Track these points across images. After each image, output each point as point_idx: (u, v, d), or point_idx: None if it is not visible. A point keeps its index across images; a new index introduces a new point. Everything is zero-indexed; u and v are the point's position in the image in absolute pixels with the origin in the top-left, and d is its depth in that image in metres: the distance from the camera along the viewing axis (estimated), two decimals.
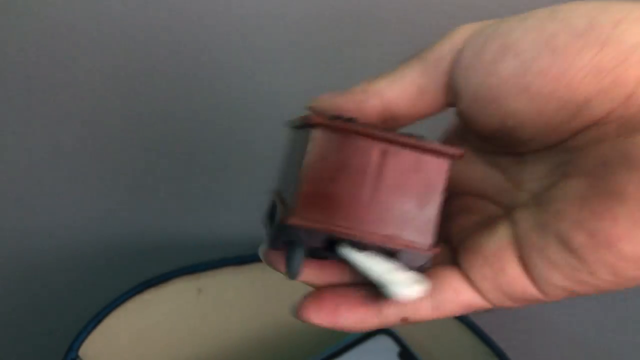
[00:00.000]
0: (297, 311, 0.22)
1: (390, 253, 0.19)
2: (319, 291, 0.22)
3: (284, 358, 0.44)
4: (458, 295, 0.20)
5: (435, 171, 0.19)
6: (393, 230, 0.19)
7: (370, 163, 0.19)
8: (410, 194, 0.19)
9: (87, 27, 0.41)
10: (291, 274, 0.20)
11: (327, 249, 0.19)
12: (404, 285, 0.18)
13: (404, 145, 0.19)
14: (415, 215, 0.19)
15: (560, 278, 0.18)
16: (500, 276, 0.19)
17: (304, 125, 0.19)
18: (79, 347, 0.34)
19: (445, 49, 0.20)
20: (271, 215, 0.21)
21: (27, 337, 0.52)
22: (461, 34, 0.20)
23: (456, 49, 0.20)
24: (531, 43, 0.18)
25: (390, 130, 0.19)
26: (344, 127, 0.19)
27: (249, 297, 0.43)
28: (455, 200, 0.24)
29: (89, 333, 0.35)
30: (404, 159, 0.19)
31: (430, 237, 0.19)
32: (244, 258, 0.43)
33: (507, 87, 0.18)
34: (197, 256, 0.43)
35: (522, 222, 0.20)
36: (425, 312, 0.20)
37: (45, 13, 0.40)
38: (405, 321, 0.21)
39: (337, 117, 0.19)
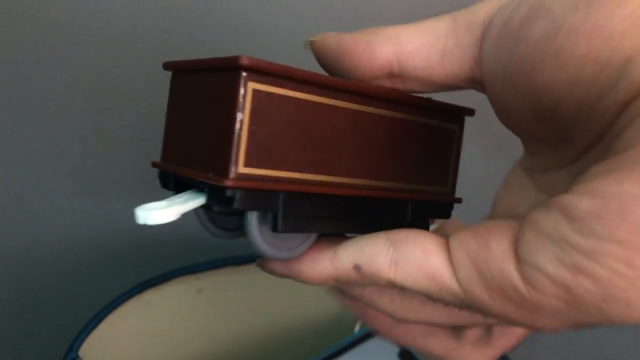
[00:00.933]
0: (260, 263, 0.20)
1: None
2: None
3: (284, 358, 0.44)
4: (426, 256, 0.16)
5: (226, 88, 0.16)
6: (198, 163, 0.17)
7: (182, 97, 0.18)
8: (208, 121, 0.16)
9: (87, 26, 0.41)
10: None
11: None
12: (147, 209, 0.15)
13: (196, 68, 0.17)
14: (212, 144, 0.16)
15: (550, 259, 0.14)
16: (482, 250, 0.15)
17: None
18: (79, 347, 0.34)
19: (480, 15, 0.17)
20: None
21: (27, 337, 0.52)
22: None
23: (489, 17, 0.17)
24: (560, 2, 0.15)
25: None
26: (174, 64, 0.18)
27: (249, 297, 0.43)
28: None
29: (89, 333, 0.35)
30: (198, 83, 0.17)
31: (228, 168, 0.15)
32: (244, 258, 0.43)
33: (537, 54, 0.15)
34: (197, 256, 0.43)
35: (532, 209, 0.16)
36: (382, 263, 0.17)
37: (45, 12, 0.40)
38: (358, 270, 0.17)
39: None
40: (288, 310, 0.44)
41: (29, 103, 0.44)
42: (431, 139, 0.20)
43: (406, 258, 0.16)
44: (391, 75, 0.18)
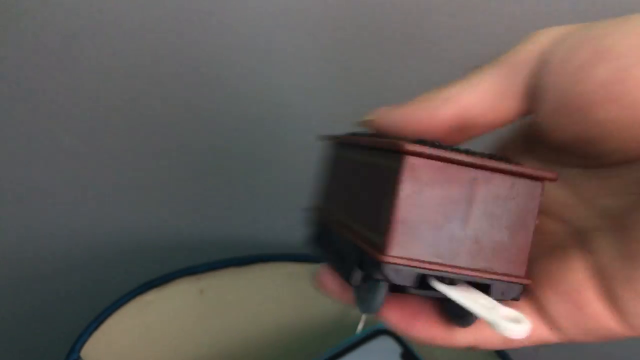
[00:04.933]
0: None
1: (481, 285, 0.18)
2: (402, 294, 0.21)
3: (286, 359, 0.44)
4: (532, 331, 0.19)
5: (528, 196, 0.18)
6: (485, 262, 0.18)
7: (461, 193, 0.18)
8: (502, 223, 0.18)
9: (87, 27, 0.41)
10: (372, 310, 0.19)
11: (415, 286, 0.18)
12: (512, 323, 0.17)
13: (496, 170, 0.18)
14: (508, 245, 0.18)
15: None
16: (582, 314, 0.19)
17: (385, 150, 0.18)
18: (80, 348, 0.34)
19: (532, 52, 0.19)
20: (327, 242, 0.22)
21: (28, 338, 0.52)
22: (546, 37, 0.19)
23: (543, 52, 0.19)
24: (629, 48, 0.17)
25: (478, 154, 0.18)
26: (439, 155, 0.17)
27: (251, 298, 0.43)
28: None
29: (90, 334, 0.35)
30: (495, 185, 0.18)
31: (523, 267, 0.18)
32: (246, 259, 0.43)
33: (600, 94, 0.17)
34: (199, 257, 0.43)
35: (601, 251, 0.18)
36: (497, 343, 0.20)
37: (45, 13, 0.40)
38: (473, 349, 0.20)
39: (423, 142, 0.18)
40: (290, 311, 0.44)
41: (29, 103, 0.44)
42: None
43: None
44: (458, 129, 0.20)
